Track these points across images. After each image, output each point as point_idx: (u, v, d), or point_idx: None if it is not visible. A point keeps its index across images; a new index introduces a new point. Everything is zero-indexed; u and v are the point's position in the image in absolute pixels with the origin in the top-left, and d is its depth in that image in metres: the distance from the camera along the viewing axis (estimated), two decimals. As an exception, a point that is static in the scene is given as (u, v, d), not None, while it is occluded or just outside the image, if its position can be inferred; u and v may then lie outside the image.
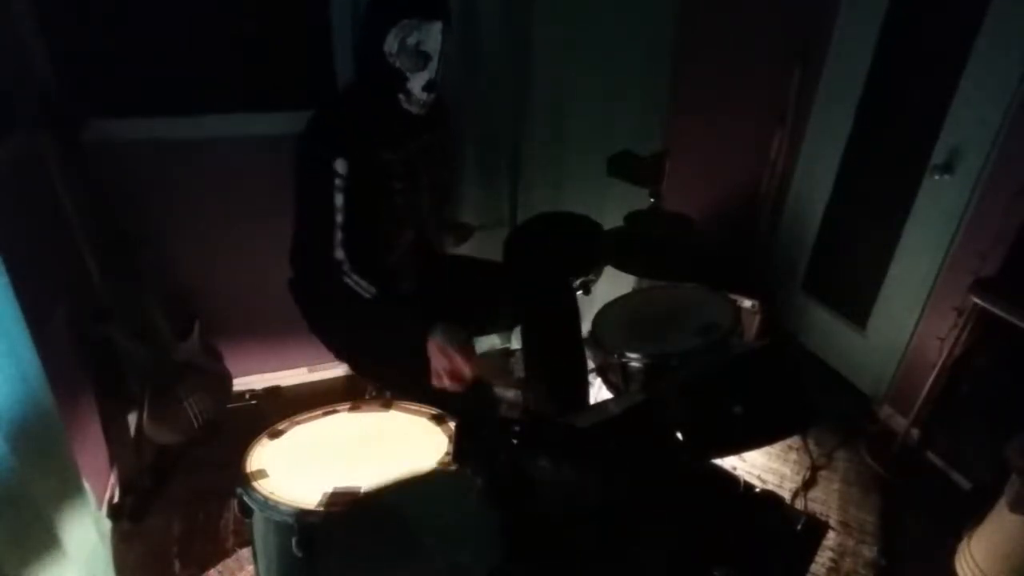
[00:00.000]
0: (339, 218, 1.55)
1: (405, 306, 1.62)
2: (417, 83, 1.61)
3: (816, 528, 1.34)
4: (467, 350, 1.53)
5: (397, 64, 1.59)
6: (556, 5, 2.20)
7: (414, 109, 1.66)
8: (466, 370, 1.52)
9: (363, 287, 1.56)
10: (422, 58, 1.58)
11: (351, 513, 1.09)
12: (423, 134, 1.75)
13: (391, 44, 1.57)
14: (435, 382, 1.54)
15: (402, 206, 1.74)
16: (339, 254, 1.56)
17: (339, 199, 1.54)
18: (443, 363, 1.53)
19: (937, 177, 2.21)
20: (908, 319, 2.41)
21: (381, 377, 1.88)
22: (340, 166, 1.54)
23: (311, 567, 1.23)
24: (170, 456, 2.19)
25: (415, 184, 1.75)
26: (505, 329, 2.70)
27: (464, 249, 2.17)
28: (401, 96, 1.63)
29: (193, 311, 2.20)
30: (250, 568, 1.85)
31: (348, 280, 1.56)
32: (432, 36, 1.57)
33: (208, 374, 2.19)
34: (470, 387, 1.54)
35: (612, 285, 2.41)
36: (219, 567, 1.87)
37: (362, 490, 1.27)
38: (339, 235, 1.55)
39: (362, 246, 1.58)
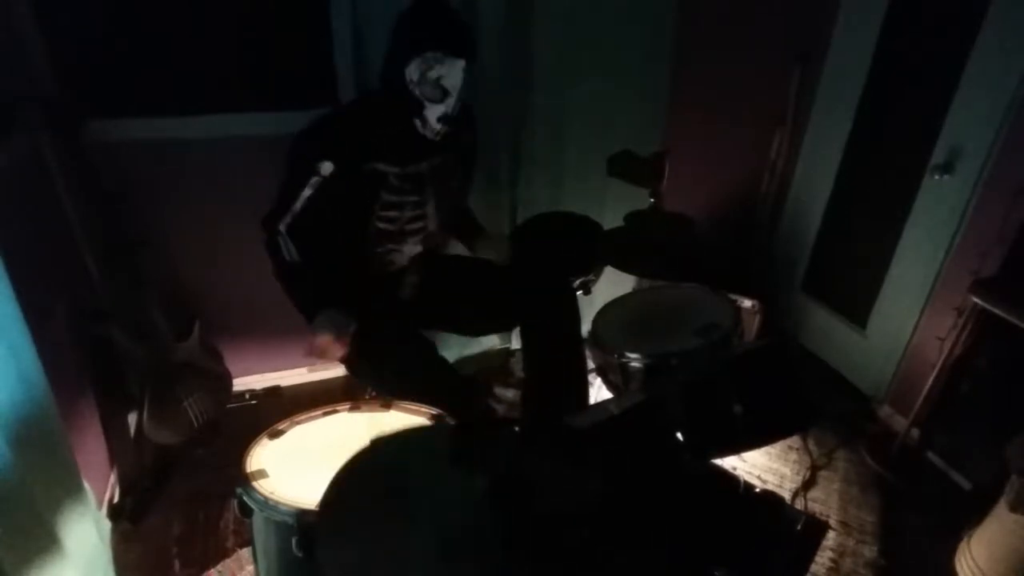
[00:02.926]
0: (297, 206, 1.63)
1: (311, 282, 1.69)
2: (433, 114, 1.62)
3: (816, 528, 1.34)
4: (341, 340, 1.63)
5: (416, 92, 1.60)
6: (556, 6, 2.20)
7: (428, 135, 1.67)
8: (332, 350, 1.63)
9: (289, 250, 1.66)
10: (441, 92, 1.59)
11: (354, 476, 1.10)
12: (437, 154, 1.75)
13: (412, 72, 1.58)
14: (306, 352, 1.64)
15: (404, 220, 1.74)
16: (282, 227, 1.67)
17: (306, 192, 1.62)
18: (316, 339, 1.62)
19: (937, 177, 2.21)
20: (908, 319, 2.41)
21: None
22: (325, 168, 1.60)
23: (311, 567, 1.23)
24: (170, 456, 2.20)
25: (420, 202, 1.75)
26: (504, 329, 2.70)
27: (464, 249, 2.17)
28: (417, 121, 1.65)
29: (193, 311, 2.20)
30: (250, 568, 1.85)
31: (279, 238, 1.67)
32: (454, 73, 1.58)
33: (208, 374, 2.18)
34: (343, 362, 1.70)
35: (612, 285, 2.41)
36: (219, 567, 1.87)
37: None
38: (288, 218, 1.65)
39: (304, 235, 1.67)
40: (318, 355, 1.64)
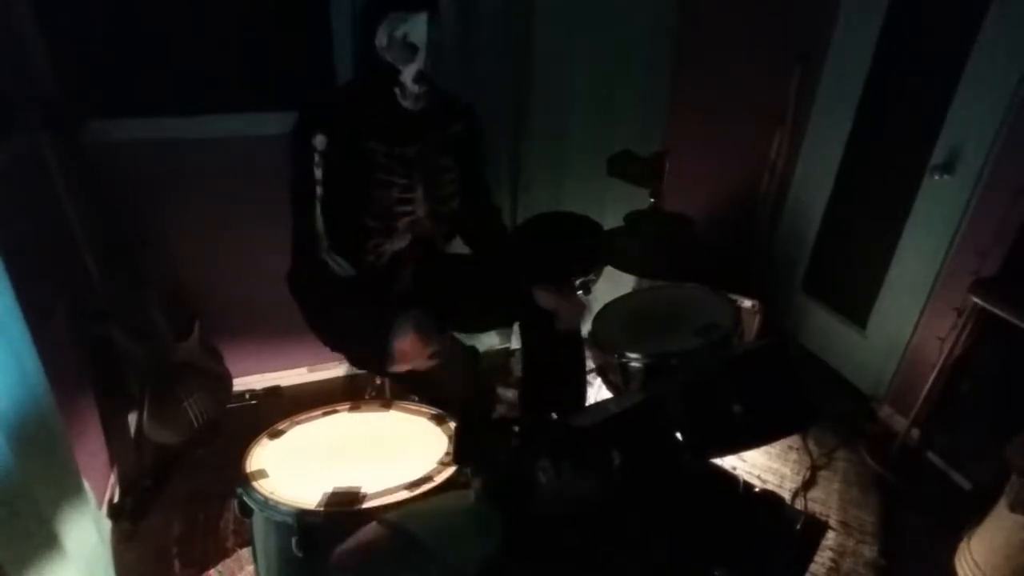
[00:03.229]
0: (319, 190, 1.61)
1: (377, 288, 1.66)
2: (408, 75, 1.63)
3: (816, 528, 1.34)
4: (431, 339, 1.55)
5: (388, 58, 1.62)
6: (556, 5, 2.20)
7: (409, 104, 1.67)
8: (424, 358, 1.55)
9: (342, 266, 1.64)
10: (410, 49, 1.61)
11: (369, 546, 1.09)
12: (425, 140, 1.75)
13: (382, 39, 1.61)
14: (391, 365, 1.56)
15: (391, 202, 1.74)
16: (319, 226, 1.62)
17: (318, 172, 1.61)
18: (405, 347, 1.55)
19: (937, 177, 2.21)
20: (908, 319, 2.40)
21: (346, 353, 1.88)
22: (319, 142, 1.59)
23: (311, 567, 1.23)
24: (170, 456, 2.19)
25: (409, 186, 1.75)
26: (503, 326, 2.70)
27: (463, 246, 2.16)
28: (397, 91, 1.65)
29: (193, 311, 2.20)
30: (250, 568, 1.85)
31: (327, 257, 1.63)
32: (418, 27, 1.60)
33: (208, 374, 2.18)
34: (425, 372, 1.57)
35: (612, 285, 2.41)
36: (219, 567, 1.87)
37: (362, 490, 1.27)
38: (319, 207, 1.62)
39: (340, 220, 1.64)
40: (402, 361, 1.55)
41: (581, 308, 1.85)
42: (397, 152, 1.71)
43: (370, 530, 1.11)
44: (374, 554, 1.05)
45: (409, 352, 1.54)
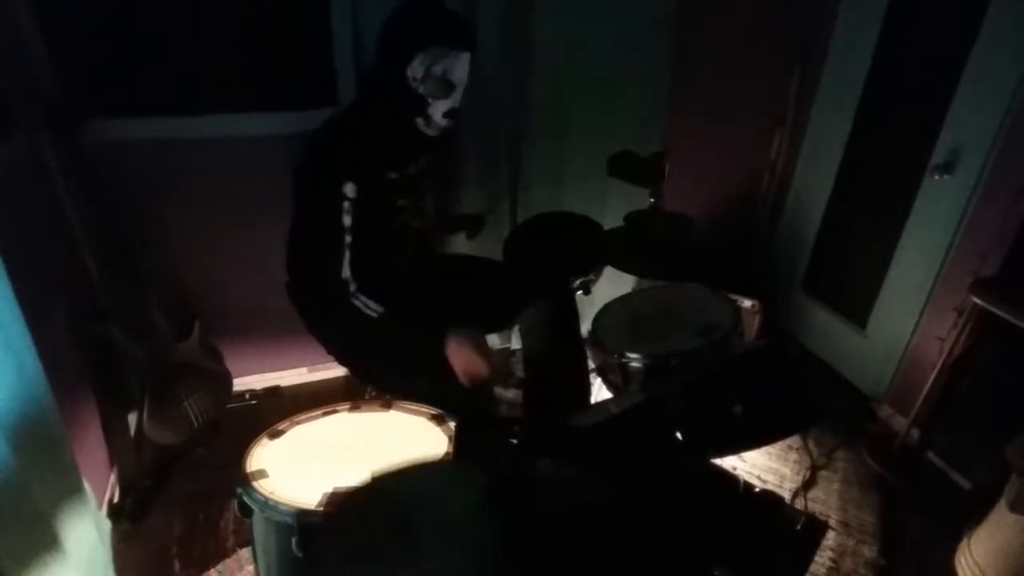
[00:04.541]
0: (348, 238, 1.57)
1: (411, 319, 1.63)
2: (439, 110, 1.60)
3: (816, 528, 1.34)
4: (483, 347, 1.58)
5: (420, 90, 1.57)
6: (556, 5, 2.20)
7: (430, 132, 1.65)
8: (483, 367, 1.56)
9: (371, 308, 1.60)
10: (447, 87, 1.57)
11: (353, 502, 1.10)
12: (430, 152, 1.75)
13: (416, 69, 1.55)
14: (464, 382, 1.58)
15: (406, 221, 1.74)
16: (346, 273, 1.59)
17: (347, 220, 1.56)
18: (462, 363, 1.57)
19: (937, 177, 2.21)
20: (908, 319, 2.41)
21: (393, 388, 1.80)
22: (349, 190, 1.55)
23: (311, 567, 1.23)
24: (170, 456, 2.20)
25: (419, 199, 1.75)
26: (505, 328, 2.70)
27: (464, 247, 2.16)
28: (420, 120, 1.62)
29: (193, 311, 2.20)
30: (250, 568, 1.85)
31: (356, 302, 1.59)
32: (460, 66, 1.56)
33: (208, 374, 2.18)
34: (481, 384, 1.59)
35: (612, 285, 2.41)
36: (219, 567, 1.87)
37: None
38: (347, 255, 1.58)
39: (368, 265, 1.61)
40: (476, 376, 1.58)
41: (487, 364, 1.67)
42: (410, 172, 1.70)
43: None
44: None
45: (468, 362, 1.56)
